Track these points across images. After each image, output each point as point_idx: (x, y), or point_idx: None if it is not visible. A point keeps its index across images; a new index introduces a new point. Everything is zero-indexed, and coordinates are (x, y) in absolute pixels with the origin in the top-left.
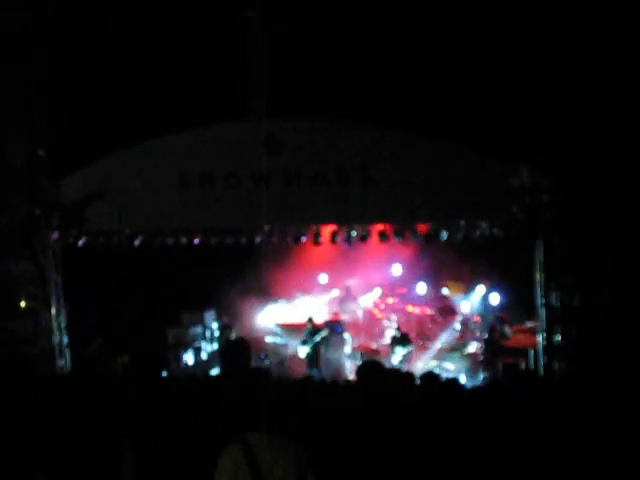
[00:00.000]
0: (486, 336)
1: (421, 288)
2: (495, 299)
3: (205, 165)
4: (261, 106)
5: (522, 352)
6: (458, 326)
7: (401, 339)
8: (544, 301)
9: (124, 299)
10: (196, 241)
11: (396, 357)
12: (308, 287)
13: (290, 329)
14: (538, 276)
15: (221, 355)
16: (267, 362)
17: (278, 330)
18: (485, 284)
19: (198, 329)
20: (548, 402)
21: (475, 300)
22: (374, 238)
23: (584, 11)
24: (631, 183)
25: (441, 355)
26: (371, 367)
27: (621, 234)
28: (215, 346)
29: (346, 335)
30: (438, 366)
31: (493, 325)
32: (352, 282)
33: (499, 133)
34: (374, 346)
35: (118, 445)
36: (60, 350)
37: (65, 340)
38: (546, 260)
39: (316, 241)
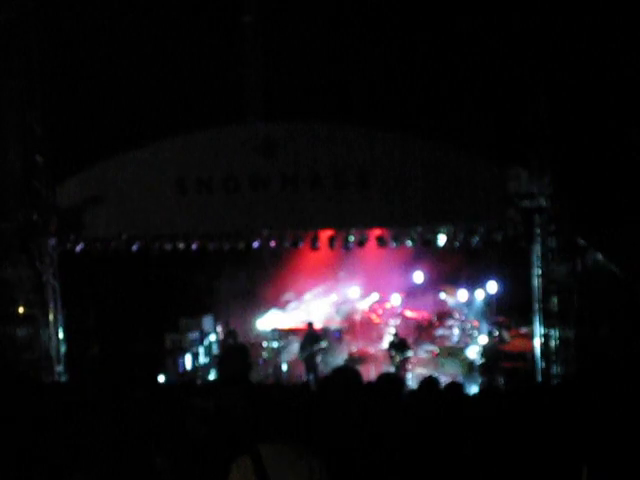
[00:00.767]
0: (485, 341)
1: (418, 277)
2: (492, 288)
3: (202, 169)
4: (258, 109)
5: (520, 357)
6: (456, 331)
7: (399, 344)
8: (542, 305)
9: (122, 305)
10: (194, 246)
11: (394, 362)
12: (306, 292)
13: (288, 334)
14: (536, 280)
15: (220, 361)
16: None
17: (276, 335)
18: (482, 288)
19: (196, 334)
20: (547, 406)
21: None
22: (372, 243)
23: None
24: (629, 186)
25: (439, 360)
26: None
27: (618, 237)
28: (214, 351)
29: (344, 340)
30: (436, 371)
31: (491, 330)
32: (350, 287)
33: (497, 137)
34: (372, 351)
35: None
36: (58, 356)
37: (63, 346)
38: (543, 264)
39: (314, 246)
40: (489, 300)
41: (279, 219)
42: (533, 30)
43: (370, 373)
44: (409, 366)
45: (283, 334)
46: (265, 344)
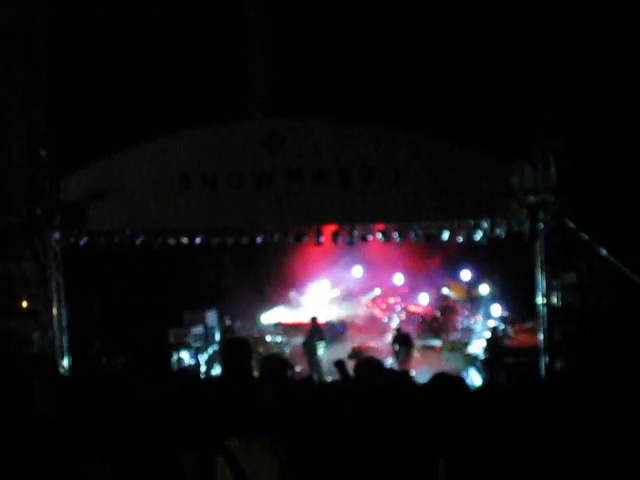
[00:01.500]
0: (488, 336)
1: (423, 298)
2: (497, 311)
3: (207, 165)
4: (262, 105)
5: (524, 352)
6: (460, 325)
7: (402, 339)
8: (545, 300)
9: (125, 299)
10: (197, 241)
11: (397, 357)
12: (309, 287)
13: (292, 329)
14: (539, 276)
15: (220, 355)
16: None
17: (280, 329)
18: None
19: (199, 329)
20: (551, 401)
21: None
22: (375, 238)
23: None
24: (634, 182)
25: (443, 354)
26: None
27: (623, 234)
28: (216, 346)
29: (347, 334)
30: (439, 366)
31: (496, 324)
32: (353, 281)
33: (500, 132)
34: (375, 346)
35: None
36: (61, 350)
37: (66, 340)
38: (547, 260)
39: (317, 241)
40: (493, 295)
41: (283, 214)
42: (538, 24)
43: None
44: (412, 361)
45: (287, 329)
46: (269, 338)
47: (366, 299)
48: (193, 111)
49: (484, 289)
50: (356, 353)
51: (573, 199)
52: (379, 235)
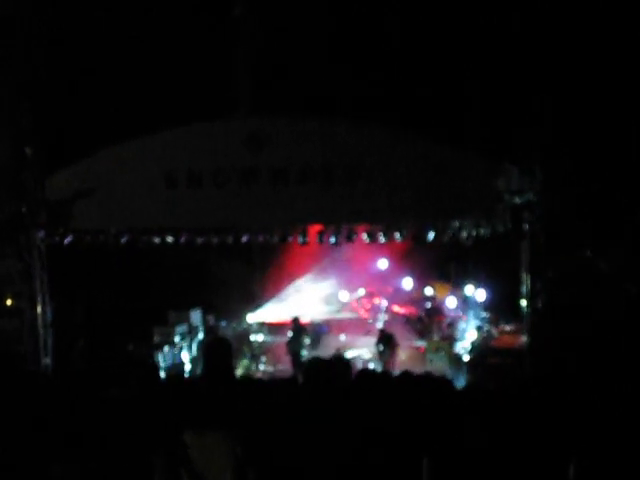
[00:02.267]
0: (473, 337)
1: (407, 283)
2: (481, 296)
3: (192, 163)
4: (248, 104)
5: (508, 352)
6: (444, 326)
7: (386, 339)
8: (530, 302)
9: (110, 297)
10: (182, 240)
11: (381, 357)
12: (294, 287)
13: (277, 328)
14: (524, 277)
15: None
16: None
17: (264, 329)
18: (471, 284)
19: (184, 327)
20: (534, 403)
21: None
22: (361, 238)
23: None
24: (618, 183)
25: (427, 355)
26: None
27: (607, 235)
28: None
29: (331, 335)
30: (424, 366)
31: (480, 325)
32: (338, 281)
33: (486, 132)
34: (360, 346)
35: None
36: (45, 348)
37: (50, 339)
38: (532, 261)
39: (302, 241)
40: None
41: (268, 214)
42: (525, 27)
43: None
44: (397, 361)
45: (272, 328)
46: (253, 338)
47: (351, 299)
48: (179, 109)
49: (469, 290)
50: (340, 353)
51: (559, 200)
52: (364, 235)
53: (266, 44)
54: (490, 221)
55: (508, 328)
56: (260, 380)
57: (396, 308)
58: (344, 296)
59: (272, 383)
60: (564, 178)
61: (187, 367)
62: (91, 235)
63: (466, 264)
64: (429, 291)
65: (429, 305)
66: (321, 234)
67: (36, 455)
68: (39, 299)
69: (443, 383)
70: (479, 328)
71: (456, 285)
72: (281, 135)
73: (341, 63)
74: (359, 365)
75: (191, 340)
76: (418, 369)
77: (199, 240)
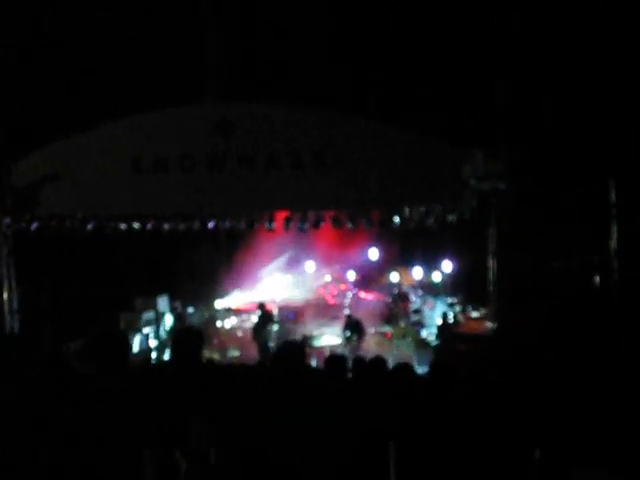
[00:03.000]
0: (439, 322)
1: (373, 253)
2: (447, 268)
3: (159, 149)
4: (216, 90)
5: (474, 338)
6: (410, 312)
7: (354, 325)
8: (496, 288)
9: (77, 284)
10: (149, 226)
11: (349, 343)
12: (261, 273)
13: (242, 314)
14: (490, 262)
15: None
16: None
17: (230, 315)
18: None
19: (151, 314)
20: (499, 388)
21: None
22: (327, 224)
23: None
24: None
25: (394, 341)
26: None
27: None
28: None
29: (298, 321)
30: (391, 352)
31: (446, 311)
32: (305, 267)
33: (453, 118)
34: (327, 332)
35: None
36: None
37: (17, 325)
38: (498, 247)
39: (269, 227)
40: (444, 281)
41: (235, 200)
42: (491, 10)
43: (325, 354)
44: (363, 347)
45: (238, 314)
46: (219, 324)
47: (317, 285)
48: (146, 95)
49: (436, 276)
50: (307, 340)
51: (524, 186)
52: (331, 221)
53: (235, 30)
54: (456, 207)
55: (474, 314)
56: (229, 366)
57: (362, 294)
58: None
59: (240, 369)
60: (529, 163)
61: (153, 354)
62: (57, 221)
63: (432, 249)
64: (395, 277)
65: (396, 291)
66: (288, 220)
67: (24, 441)
68: (5, 285)
69: (408, 368)
70: (445, 314)
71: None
72: (248, 121)
73: (309, 48)
74: (327, 352)
75: (157, 327)
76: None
77: (166, 226)
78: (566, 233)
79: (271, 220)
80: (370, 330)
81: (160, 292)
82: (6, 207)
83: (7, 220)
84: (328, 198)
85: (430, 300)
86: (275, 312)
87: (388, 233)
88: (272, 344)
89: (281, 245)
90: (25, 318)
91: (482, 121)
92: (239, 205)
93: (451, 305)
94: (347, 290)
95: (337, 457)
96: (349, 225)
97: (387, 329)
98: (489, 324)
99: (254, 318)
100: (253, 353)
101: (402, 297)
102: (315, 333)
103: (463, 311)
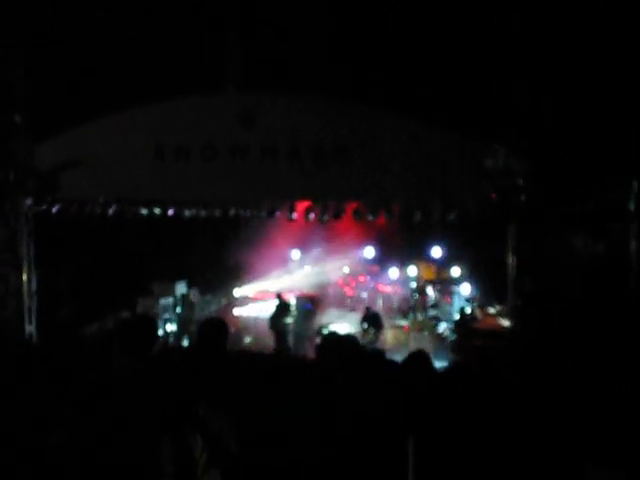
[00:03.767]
0: (456, 318)
1: (393, 273)
2: (466, 290)
3: (181, 137)
4: (238, 79)
5: (492, 335)
6: (429, 306)
7: (372, 318)
8: (515, 285)
9: (95, 268)
10: (170, 212)
11: (366, 336)
12: (281, 262)
13: (259, 302)
14: (510, 260)
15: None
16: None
17: (248, 303)
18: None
19: (169, 300)
20: (517, 384)
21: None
22: (348, 216)
23: None
24: (605, 168)
25: (411, 335)
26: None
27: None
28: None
29: (316, 312)
30: (407, 346)
31: (463, 306)
32: (324, 259)
33: (475, 114)
34: (344, 323)
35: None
36: (30, 316)
37: (34, 306)
38: (518, 244)
39: (290, 217)
40: (463, 276)
41: (256, 189)
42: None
43: None
44: (381, 340)
45: (254, 302)
46: (236, 312)
47: (336, 276)
48: (169, 83)
49: (455, 271)
50: (322, 330)
51: (546, 184)
52: (352, 213)
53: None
54: (477, 203)
55: (492, 310)
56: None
57: (381, 286)
58: (330, 270)
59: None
60: (552, 161)
61: (170, 339)
62: (78, 204)
63: (453, 245)
64: (412, 271)
65: (413, 285)
66: (308, 211)
67: (31, 422)
68: (25, 266)
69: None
70: (463, 309)
71: (441, 266)
72: (270, 112)
73: (333, 40)
74: None
75: (175, 313)
76: (401, 348)
77: (187, 213)
78: (586, 231)
79: (292, 210)
80: (387, 323)
81: (179, 278)
82: (28, 189)
83: (29, 202)
84: (349, 190)
85: (448, 295)
86: (292, 302)
87: (407, 227)
88: (289, 335)
89: (301, 236)
90: (43, 300)
91: (505, 116)
92: (260, 194)
93: (469, 300)
94: (365, 282)
95: (357, 450)
96: (370, 217)
97: (404, 322)
98: (506, 321)
99: (271, 307)
100: (269, 342)
101: (420, 291)
102: (331, 324)
103: (481, 307)
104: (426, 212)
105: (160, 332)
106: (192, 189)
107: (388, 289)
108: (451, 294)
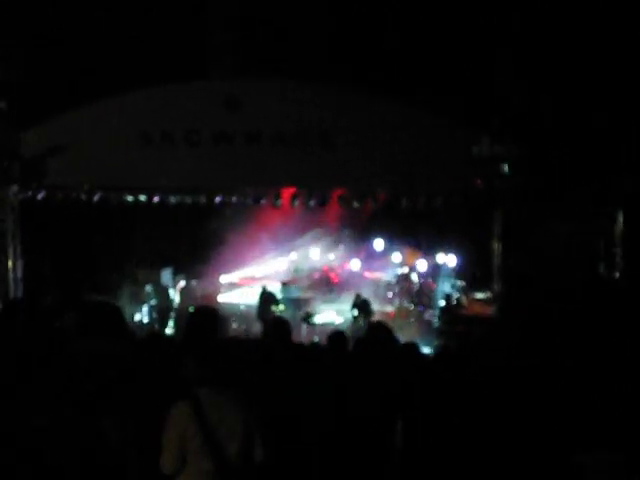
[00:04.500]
0: (442, 304)
1: (378, 244)
2: (452, 261)
3: (167, 123)
4: (224, 65)
5: (477, 321)
6: (414, 293)
7: (362, 305)
8: (500, 271)
9: (81, 254)
10: (155, 199)
11: (356, 323)
12: (267, 249)
13: (245, 289)
14: (495, 246)
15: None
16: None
17: (234, 289)
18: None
19: (154, 287)
20: (499, 371)
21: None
22: (334, 203)
23: None
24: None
25: (396, 322)
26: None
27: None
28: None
29: (302, 300)
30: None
31: (449, 293)
32: (310, 245)
33: (461, 101)
34: (331, 310)
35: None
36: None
37: (20, 293)
38: (504, 231)
39: (276, 204)
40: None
41: (241, 175)
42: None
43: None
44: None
45: (240, 287)
46: (221, 299)
47: (322, 263)
48: (155, 69)
49: (441, 257)
50: (309, 316)
51: (531, 171)
52: (338, 200)
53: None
54: (463, 189)
55: (478, 296)
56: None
57: (367, 274)
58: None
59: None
60: (538, 147)
61: (156, 326)
62: (64, 191)
63: (438, 231)
64: (397, 257)
65: (399, 271)
66: (294, 197)
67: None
68: (10, 253)
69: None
70: (449, 296)
71: (427, 252)
72: (256, 97)
73: (318, 25)
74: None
75: (160, 300)
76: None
77: (172, 199)
78: (571, 218)
79: (278, 197)
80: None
81: (164, 265)
82: (14, 175)
83: (14, 188)
84: (335, 176)
85: (433, 281)
86: (279, 289)
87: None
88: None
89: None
90: (29, 287)
91: (490, 103)
92: (245, 180)
93: (455, 287)
94: (352, 269)
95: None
96: (355, 204)
97: (390, 309)
98: (492, 307)
99: (256, 294)
100: (255, 329)
101: (404, 278)
102: (318, 311)
103: (467, 293)
104: (412, 198)
105: (146, 320)
106: (177, 176)
107: (374, 276)
108: (436, 280)
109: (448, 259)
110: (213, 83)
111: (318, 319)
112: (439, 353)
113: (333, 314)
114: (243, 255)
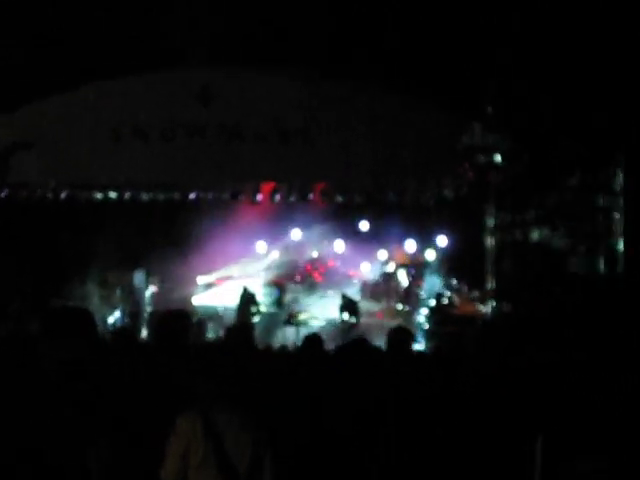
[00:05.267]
0: (432, 303)
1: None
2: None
3: (138, 116)
4: (198, 55)
5: (469, 321)
6: (401, 292)
7: (349, 306)
8: (493, 267)
9: (47, 256)
10: (126, 196)
11: (344, 325)
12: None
13: (221, 288)
14: (488, 241)
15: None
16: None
17: (211, 289)
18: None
19: (126, 290)
20: (490, 371)
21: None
22: (316, 197)
23: None
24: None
25: (384, 322)
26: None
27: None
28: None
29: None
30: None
31: (440, 292)
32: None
33: (451, 88)
34: (314, 311)
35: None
36: None
37: None
38: (497, 224)
39: (254, 199)
40: (439, 260)
41: (217, 170)
42: None
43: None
44: (358, 328)
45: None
46: (196, 302)
47: (304, 262)
48: (127, 58)
49: (430, 255)
50: (292, 317)
51: (524, 161)
52: (319, 194)
53: None
54: (453, 181)
55: (471, 295)
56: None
57: (351, 271)
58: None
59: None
60: (531, 138)
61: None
62: (29, 189)
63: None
64: (383, 255)
65: (384, 269)
66: (274, 192)
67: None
68: None
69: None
70: (439, 295)
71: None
72: (232, 89)
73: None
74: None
75: (133, 303)
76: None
77: (144, 196)
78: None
79: (256, 192)
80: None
81: (136, 267)
82: None
83: None
84: (316, 170)
85: (421, 279)
86: (260, 290)
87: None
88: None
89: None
90: None
91: (481, 91)
92: (222, 175)
93: (446, 286)
94: (335, 267)
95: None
96: (339, 198)
97: (377, 309)
98: (483, 306)
99: (233, 293)
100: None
101: (390, 276)
102: (301, 312)
103: (459, 292)
104: (399, 192)
105: (119, 323)
106: (150, 171)
107: (359, 273)
108: (424, 278)
109: (440, 240)
110: (186, 73)
111: (302, 319)
112: (429, 357)
113: (317, 314)
114: (220, 254)
